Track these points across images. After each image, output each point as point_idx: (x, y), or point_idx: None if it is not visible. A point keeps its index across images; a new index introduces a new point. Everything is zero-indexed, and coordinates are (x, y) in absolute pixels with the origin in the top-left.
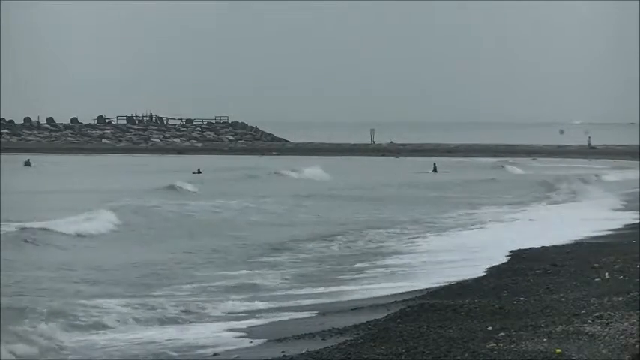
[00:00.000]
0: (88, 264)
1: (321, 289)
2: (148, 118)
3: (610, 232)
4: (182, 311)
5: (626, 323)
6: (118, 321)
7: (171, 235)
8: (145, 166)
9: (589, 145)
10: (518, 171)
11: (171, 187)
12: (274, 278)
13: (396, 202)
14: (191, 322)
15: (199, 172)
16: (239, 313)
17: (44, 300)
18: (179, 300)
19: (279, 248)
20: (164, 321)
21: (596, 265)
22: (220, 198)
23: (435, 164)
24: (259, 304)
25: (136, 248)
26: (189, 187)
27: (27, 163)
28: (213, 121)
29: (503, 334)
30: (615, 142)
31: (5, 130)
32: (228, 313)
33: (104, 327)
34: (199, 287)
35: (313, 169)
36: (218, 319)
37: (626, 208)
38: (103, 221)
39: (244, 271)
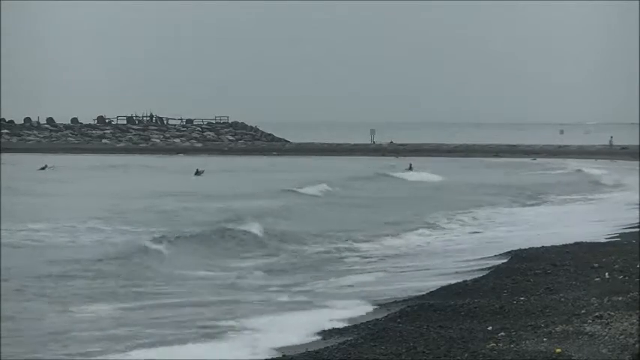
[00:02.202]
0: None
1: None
2: (147, 118)
3: (610, 233)
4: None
5: (626, 323)
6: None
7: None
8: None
9: (611, 144)
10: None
11: (291, 191)
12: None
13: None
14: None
15: (200, 173)
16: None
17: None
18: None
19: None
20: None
21: (596, 265)
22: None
23: (410, 164)
24: (263, 303)
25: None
26: (311, 191)
27: (42, 168)
28: (213, 121)
29: (503, 334)
30: (615, 142)
31: (5, 130)
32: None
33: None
34: (201, 285)
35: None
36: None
37: None
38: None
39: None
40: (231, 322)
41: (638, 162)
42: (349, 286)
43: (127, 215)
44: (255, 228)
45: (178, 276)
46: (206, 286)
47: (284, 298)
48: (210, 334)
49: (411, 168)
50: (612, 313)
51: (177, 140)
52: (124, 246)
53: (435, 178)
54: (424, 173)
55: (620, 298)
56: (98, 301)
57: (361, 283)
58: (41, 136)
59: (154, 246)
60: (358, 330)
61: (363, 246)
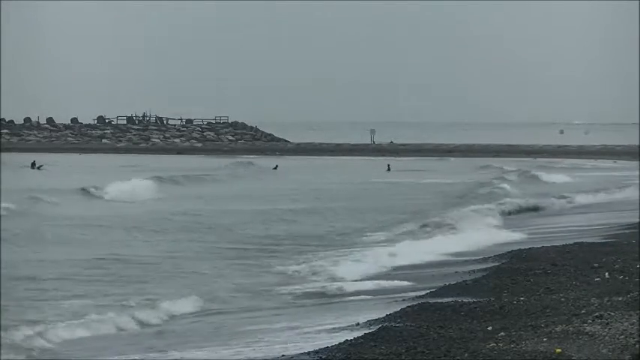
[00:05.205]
0: None
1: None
2: (148, 118)
3: (610, 232)
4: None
5: (626, 323)
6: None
7: None
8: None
9: None
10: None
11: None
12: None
13: None
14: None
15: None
16: None
17: None
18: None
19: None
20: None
21: (596, 265)
22: None
23: (389, 165)
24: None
25: None
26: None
27: (33, 166)
28: (213, 121)
29: (503, 334)
30: (615, 142)
31: (5, 130)
32: None
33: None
34: (198, 281)
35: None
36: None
37: None
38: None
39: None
40: None
41: (638, 162)
42: None
43: None
44: None
45: None
46: None
47: None
48: None
49: (389, 169)
50: (612, 313)
51: (177, 140)
52: None
53: (563, 178)
54: (540, 172)
55: (620, 298)
56: None
57: None
58: (41, 136)
59: None
60: (358, 329)
61: None
